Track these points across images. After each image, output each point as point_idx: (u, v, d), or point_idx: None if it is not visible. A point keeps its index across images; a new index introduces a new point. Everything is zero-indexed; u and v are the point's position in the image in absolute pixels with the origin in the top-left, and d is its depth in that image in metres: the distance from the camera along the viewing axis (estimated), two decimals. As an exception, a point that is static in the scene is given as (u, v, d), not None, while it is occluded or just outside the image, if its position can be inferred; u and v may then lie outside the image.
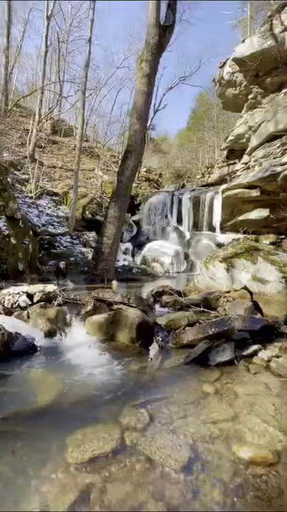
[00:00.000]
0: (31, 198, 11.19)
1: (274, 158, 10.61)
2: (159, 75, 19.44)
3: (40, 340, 2.69)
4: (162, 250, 11.20)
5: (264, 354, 2.57)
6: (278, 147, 10.70)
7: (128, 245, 12.24)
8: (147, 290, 5.34)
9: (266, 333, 2.97)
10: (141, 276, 8.97)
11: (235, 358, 2.47)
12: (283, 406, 1.81)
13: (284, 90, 11.56)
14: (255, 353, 2.61)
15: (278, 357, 2.53)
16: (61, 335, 2.88)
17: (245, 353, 2.60)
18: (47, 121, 18.05)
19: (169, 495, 1.15)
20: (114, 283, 6.06)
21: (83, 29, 19.03)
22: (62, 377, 2.12)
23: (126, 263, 10.29)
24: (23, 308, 3.13)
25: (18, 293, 3.25)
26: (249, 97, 13.22)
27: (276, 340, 2.95)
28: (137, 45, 22.34)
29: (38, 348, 2.59)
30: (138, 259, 11.28)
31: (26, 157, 13.25)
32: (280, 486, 1.21)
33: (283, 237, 10.82)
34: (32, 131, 14.10)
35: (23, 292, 3.26)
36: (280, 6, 11.26)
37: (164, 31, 7.84)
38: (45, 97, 18.35)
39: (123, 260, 10.63)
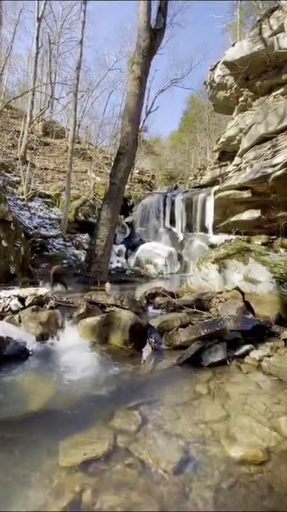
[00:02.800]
0: (23, 200, 11.07)
1: (265, 159, 10.76)
2: (151, 77, 19.55)
3: (31, 344, 2.66)
4: (155, 252, 11.22)
5: (256, 354, 2.60)
6: (269, 149, 10.87)
7: (122, 247, 12.22)
8: (140, 292, 5.34)
9: (258, 333, 3.01)
10: (134, 277, 8.97)
11: (227, 358, 2.50)
12: (273, 405, 1.83)
13: (274, 93, 11.77)
14: (247, 352, 2.64)
15: (269, 356, 2.57)
16: (53, 338, 2.85)
17: (237, 353, 2.63)
18: (38, 122, 17.93)
19: (161, 496, 1.15)
20: (107, 285, 6.04)
21: (74, 31, 19.03)
22: (54, 381, 2.11)
23: (119, 265, 10.28)
24: (15, 312, 3.09)
25: (9, 296, 3.21)
26: (240, 99, 13.40)
27: (268, 339, 2.99)
28: (128, 48, 22.42)
29: (30, 352, 2.56)
30: (132, 261, 11.27)
31: (17, 159, 13.12)
32: (270, 483, 1.23)
33: (274, 237, 10.97)
34: (23, 133, 13.98)
35: (15, 296, 3.23)
36: (268, 11, 11.47)
37: (155, 34, 7.89)
38: (37, 98, 18.22)
39: (116, 262, 10.60)
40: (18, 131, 15.43)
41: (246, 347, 2.69)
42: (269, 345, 2.77)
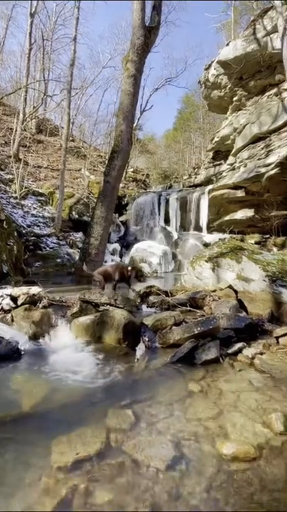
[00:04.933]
0: (16, 198, 10.93)
1: (258, 159, 10.84)
2: (145, 75, 19.49)
3: (24, 344, 2.64)
4: (150, 250, 11.22)
5: (248, 351, 2.63)
6: (262, 148, 10.95)
7: (116, 246, 12.19)
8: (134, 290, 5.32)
9: (251, 331, 3.04)
10: (128, 276, 8.94)
11: (220, 356, 2.51)
12: (265, 401, 1.85)
13: (267, 93, 11.85)
14: (239, 350, 2.66)
15: (261, 354, 2.59)
16: (46, 338, 2.83)
17: (230, 350, 2.65)
18: (31, 120, 17.71)
19: (153, 494, 1.15)
20: (101, 284, 6.00)
21: (68, 27, 18.82)
22: (47, 380, 2.09)
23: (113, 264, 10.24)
24: (7, 312, 3.06)
25: (1, 296, 3.17)
26: (234, 99, 13.45)
27: (260, 337, 3.03)
28: (123, 45, 22.31)
29: (23, 352, 2.54)
30: (126, 260, 11.25)
31: (10, 156, 12.94)
32: (261, 479, 1.24)
33: (267, 236, 11.06)
34: (16, 130, 13.79)
35: (7, 295, 3.19)
36: (262, 11, 11.53)
37: (149, 32, 7.87)
38: (30, 95, 18.00)
39: (110, 261, 10.57)
40: (10, 129, 15.22)
41: (239, 345, 2.71)
42: (262, 343, 2.80)
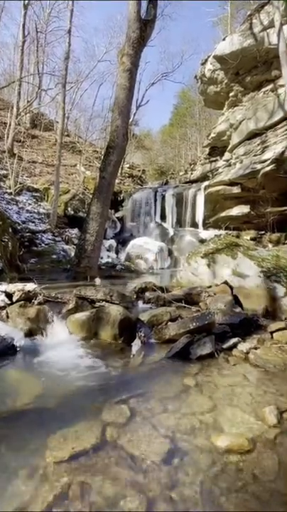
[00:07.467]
0: (10, 194, 10.81)
1: (254, 155, 10.85)
2: (141, 69, 19.26)
3: (19, 341, 2.62)
4: (146, 247, 11.22)
5: (243, 346, 2.66)
6: (258, 145, 10.96)
7: (112, 242, 12.16)
8: (130, 287, 5.34)
9: (246, 326, 3.07)
10: (124, 273, 8.96)
11: (215, 350, 2.53)
12: (259, 395, 1.88)
13: (263, 89, 11.82)
14: (234, 345, 2.69)
15: (256, 348, 2.63)
16: (42, 334, 2.82)
17: (225, 345, 2.67)
18: (26, 114, 17.46)
19: (149, 487, 1.17)
20: (97, 280, 6.00)
21: (62, 20, 18.48)
22: (42, 377, 2.09)
23: (109, 260, 10.24)
24: (2, 308, 3.03)
25: (-4, 292, 3.14)
26: (230, 94, 13.40)
27: (255, 332, 3.06)
28: (118, 39, 22.02)
29: (18, 349, 2.53)
30: (122, 256, 11.25)
31: (4, 152, 12.76)
32: (254, 471, 1.26)
33: (262, 232, 11.13)
34: (10, 125, 13.58)
35: (2, 291, 3.16)
36: (259, 6, 11.44)
37: (145, 25, 7.76)
38: (24, 89, 17.71)
39: (106, 257, 10.56)
40: (4, 123, 14.98)
41: (234, 340, 2.74)
42: (256, 338, 2.83)
